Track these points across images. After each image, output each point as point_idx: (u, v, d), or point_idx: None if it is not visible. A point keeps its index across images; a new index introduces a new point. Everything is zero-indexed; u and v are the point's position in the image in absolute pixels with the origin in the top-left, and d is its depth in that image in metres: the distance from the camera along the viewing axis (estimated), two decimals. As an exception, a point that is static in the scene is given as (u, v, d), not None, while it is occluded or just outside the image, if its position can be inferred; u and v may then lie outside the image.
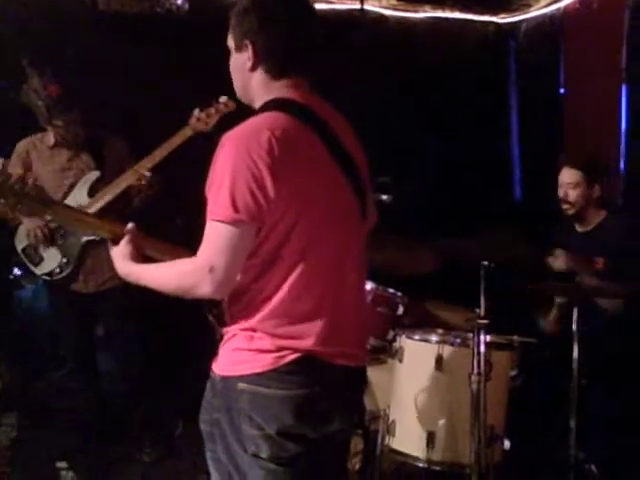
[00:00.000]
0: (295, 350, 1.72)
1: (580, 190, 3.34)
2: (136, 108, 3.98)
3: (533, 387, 3.07)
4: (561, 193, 3.39)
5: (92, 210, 3.18)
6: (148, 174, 3.24)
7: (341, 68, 4.18)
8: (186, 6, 4.30)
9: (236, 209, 1.65)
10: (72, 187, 3.39)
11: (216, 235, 1.68)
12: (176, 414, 3.78)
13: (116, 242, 1.93)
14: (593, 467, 2.76)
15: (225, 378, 1.77)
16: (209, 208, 1.70)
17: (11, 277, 4.33)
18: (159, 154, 3.22)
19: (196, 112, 3.19)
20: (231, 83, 1.92)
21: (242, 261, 1.70)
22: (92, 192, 3.35)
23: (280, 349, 1.72)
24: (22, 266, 4.34)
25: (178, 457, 3.55)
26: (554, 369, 3.06)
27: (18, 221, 3.38)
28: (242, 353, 1.75)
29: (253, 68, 1.83)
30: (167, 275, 1.80)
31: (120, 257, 1.91)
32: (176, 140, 3.21)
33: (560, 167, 3.43)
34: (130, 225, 1.94)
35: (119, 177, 3.28)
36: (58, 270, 3.39)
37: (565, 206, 3.39)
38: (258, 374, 1.72)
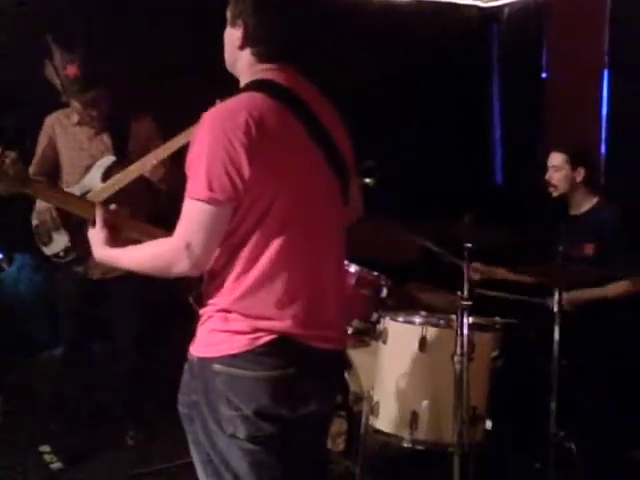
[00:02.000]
0: (271, 331, 1.73)
1: (563, 173, 3.39)
2: (158, 92, 3.88)
3: (515, 367, 3.11)
4: (547, 176, 3.45)
5: (104, 196, 3.10)
6: (157, 166, 3.15)
7: (325, 51, 4.18)
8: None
9: (211, 188, 1.66)
10: (88, 169, 3.33)
11: (193, 213, 1.69)
12: (160, 396, 3.77)
13: (95, 224, 1.93)
14: (572, 445, 2.81)
15: (202, 360, 1.78)
16: (187, 186, 1.71)
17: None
18: (173, 145, 3.07)
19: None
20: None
21: (219, 239, 1.72)
22: (106, 177, 3.26)
23: (255, 330, 1.73)
24: (0, 250, 4.32)
25: (162, 440, 3.55)
26: (535, 350, 3.10)
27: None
28: (218, 334, 1.76)
29: (242, 47, 1.84)
30: (143, 255, 1.81)
31: (95, 241, 1.91)
32: (192, 131, 3.10)
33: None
34: (99, 207, 1.94)
35: (132, 165, 3.18)
36: (63, 254, 3.34)
37: (550, 188, 3.44)
38: (234, 355, 1.73)
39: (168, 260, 1.72)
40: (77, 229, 3.26)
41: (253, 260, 1.74)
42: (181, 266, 1.71)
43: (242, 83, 1.87)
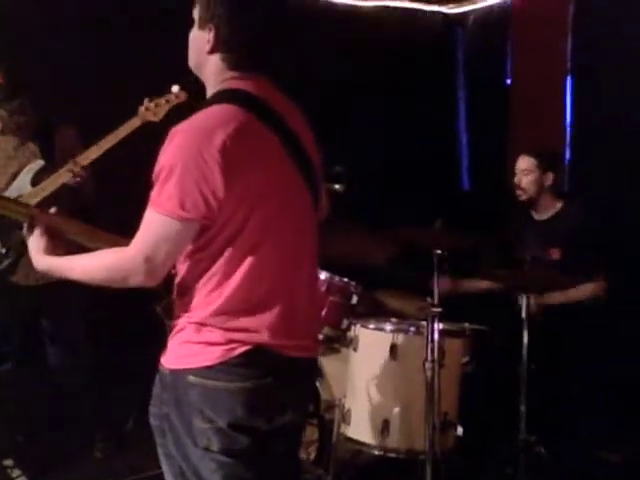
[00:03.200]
0: (245, 342, 1.71)
1: (533, 177, 3.43)
2: (86, 96, 3.89)
3: (485, 373, 3.13)
4: (516, 179, 3.47)
5: (35, 200, 3.10)
6: (82, 167, 3.14)
7: (291, 56, 4.16)
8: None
9: (183, 206, 1.62)
10: (15, 175, 3.30)
11: (157, 226, 1.65)
12: (127, 408, 3.71)
13: (32, 230, 1.85)
14: (543, 450, 2.83)
15: (174, 371, 1.75)
16: (153, 198, 1.66)
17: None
18: (104, 144, 3.11)
19: (146, 102, 3.13)
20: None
21: (180, 253, 1.69)
22: (35, 181, 3.25)
23: (230, 341, 1.71)
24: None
25: (130, 452, 3.49)
26: (504, 355, 3.12)
27: None
28: (191, 346, 1.73)
29: (211, 52, 1.79)
30: (96, 266, 1.74)
31: (36, 249, 1.84)
32: (123, 130, 3.12)
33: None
34: (35, 210, 1.87)
35: (59, 168, 3.19)
36: None
37: (518, 192, 3.47)
38: (208, 367, 1.70)
39: (124, 272, 1.67)
40: (7, 235, 3.23)
41: (229, 274, 1.71)
42: (137, 278, 1.66)
43: (209, 88, 1.82)
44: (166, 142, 1.68)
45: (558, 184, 3.50)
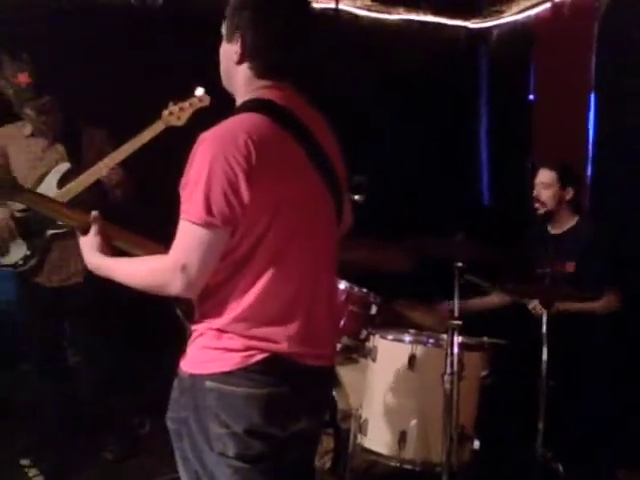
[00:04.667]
0: (264, 350, 1.73)
1: (553, 190, 3.42)
2: (110, 100, 3.92)
3: (502, 387, 3.11)
4: (535, 192, 3.47)
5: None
6: (113, 169, 3.19)
7: (315, 67, 4.19)
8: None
9: (210, 213, 1.65)
10: (43, 177, 3.33)
11: (189, 235, 1.68)
12: (144, 411, 3.73)
13: (85, 232, 1.90)
14: (560, 466, 2.81)
15: (193, 376, 1.76)
16: (183, 207, 1.69)
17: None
18: (128, 148, 3.16)
19: (170, 105, 3.15)
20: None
21: (214, 262, 1.70)
22: (62, 184, 3.29)
23: (248, 348, 1.72)
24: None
25: (146, 454, 3.51)
26: (523, 370, 3.11)
27: None
28: (210, 352, 1.74)
29: (239, 62, 1.82)
30: (138, 271, 1.78)
31: (88, 248, 1.89)
32: (147, 134, 3.15)
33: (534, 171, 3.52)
34: (94, 213, 1.91)
35: (87, 170, 3.23)
36: (21, 262, 3.34)
37: (536, 205, 3.47)
38: (226, 373, 1.71)
39: (163, 280, 1.70)
40: (33, 237, 3.27)
41: (250, 282, 1.73)
42: (175, 287, 1.69)
43: (238, 100, 1.85)
44: (193, 150, 1.71)
45: (577, 199, 3.49)
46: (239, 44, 1.80)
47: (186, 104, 3.12)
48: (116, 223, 1.92)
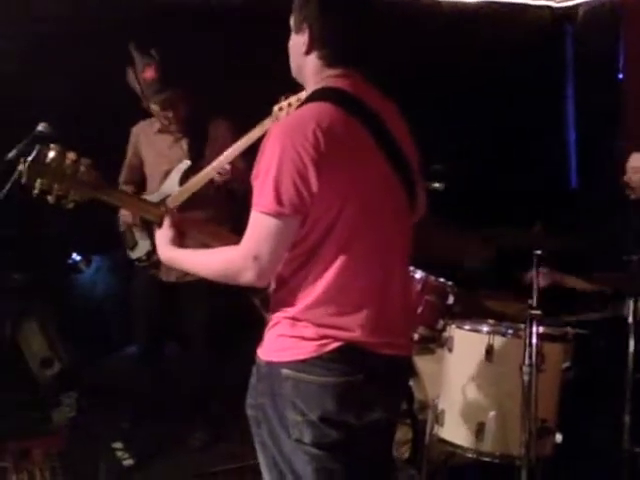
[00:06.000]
0: (338, 338, 1.74)
1: None
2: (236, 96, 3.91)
3: (587, 380, 3.02)
4: (625, 178, 3.35)
5: (180, 200, 3.21)
6: (227, 167, 3.21)
7: (395, 54, 4.16)
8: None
9: (280, 202, 1.67)
10: (167, 175, 3.42)
11: (260, 226, 1.70)
12: (227, 399, 3.82)
13: (161, 226, 1.96)
14: (647, 463, 2.71)
15: (269, 364, 1.79)
16: (254, 199, 1.72)
17: (70, 262, 4.46)
18: (238, 148, 3.15)
19: (281, 100, 3.06)
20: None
21: (285, 251, 1.73)
22: (183, 181, 3.35)
23: (323, 337, 1.73)
24: (80, 252, 4.48)
25: (228, 441, 3.60)
26: (609, 361, 3.00)
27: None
28: (286, 340, 1.77)
29: (308, 52, 1.83)
30: (211, 261, 1.83)
31: (162, 241, 1.94)
32: (257, 132, 3.10)
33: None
34: (166, 206, 2.00)
35: (205, 168, 3.25)
36: (145, 257, 3.47)
37: (628, 191, 3.33)
38: (301, 361, 1.73)
39: (235, 269, 1.74)
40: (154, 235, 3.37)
41: (322, 270, 1.74)
42: (248, 276, 1.72)
43: (308, 90, 1.87)
44: (264, 141, 1.75)
45: None
46: (307, 34, 1.81)
47: (294, 99, 2.98)
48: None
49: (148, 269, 3.51)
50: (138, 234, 3.46)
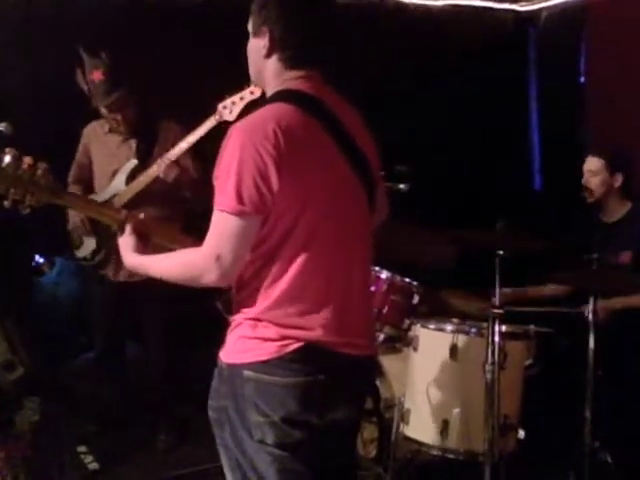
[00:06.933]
0: (299, 339, 1.74)
1: (601, 178, 3.33)
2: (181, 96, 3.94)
3: (549, 377, 3.06)
4: (583, 181, 3.39)
5: (126, 199, 3.24)
6: (169, 167, 3.23)
7: (360, 55, 4.18)
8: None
9: (241, 201, 1.68)
10: (115, 174, 3.41)
11: (222, 225, 1.71)
12: (192, 402, 3.81)
13: (123, 231, 1.95)
14: (608, 456, 2.75)
15: (231, 366, 1.80)
16: (216, 198, 1.73)
17: (33, 264, 4.40)
18: (183, 145, 3.18)
19: (225, 99, 3.09)
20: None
21: (247, 251, 1.73)
22: (129, 180, 3.35)
23: (284, 337, 1.74)
24: (43, 254, 4.42)
25: (193, 443, 3.58)
26: (570, 359, 3.05)
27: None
28: (247, 341, 1.77)
29: (268, 55, 1.84)
30: (173, 265, 1.82)
31: (124, 248, 1.93)
32: (200, 130, 3.15)
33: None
34: (125, 212, 1.97)
35: (148, 168, 3.28)
36: (89, 256, 3.45)
37: (585, 194, 3.38)
38: (263, 362, 1.74)
39: (198, 270, 1.74)
40: (103, 233, 3.36)
41: (282, 270, 1.75)
42: (210, 277, 1.72)
43: (268, 93, 1.87)
44: (225, 140, 1.74)
45: (628, 185, 3.38)
46: (267, 37, 1.82)
47: (237, 98, 3.06)
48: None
49: (94, 269, 3.48)
50: (84, 233, 3.44)
